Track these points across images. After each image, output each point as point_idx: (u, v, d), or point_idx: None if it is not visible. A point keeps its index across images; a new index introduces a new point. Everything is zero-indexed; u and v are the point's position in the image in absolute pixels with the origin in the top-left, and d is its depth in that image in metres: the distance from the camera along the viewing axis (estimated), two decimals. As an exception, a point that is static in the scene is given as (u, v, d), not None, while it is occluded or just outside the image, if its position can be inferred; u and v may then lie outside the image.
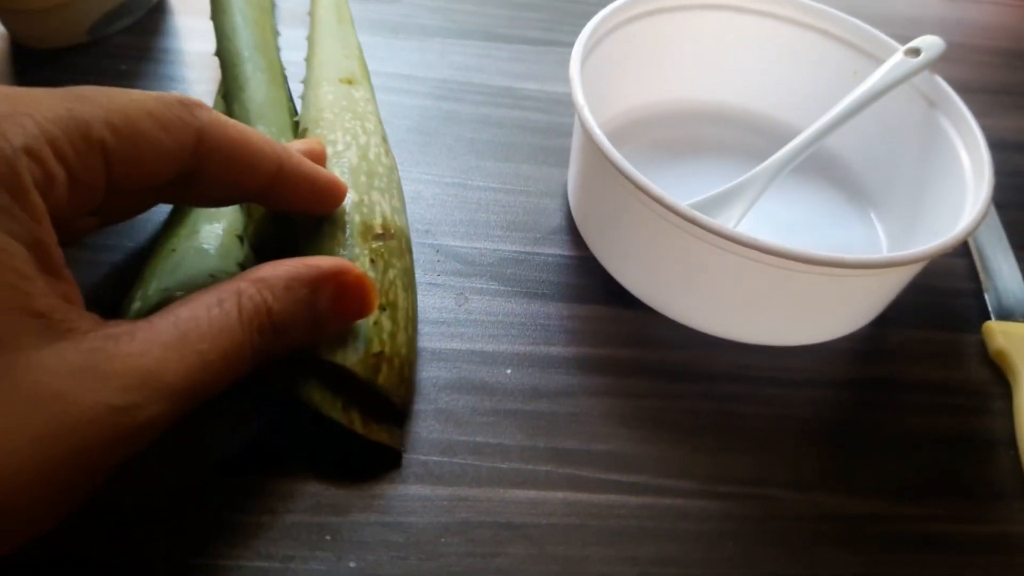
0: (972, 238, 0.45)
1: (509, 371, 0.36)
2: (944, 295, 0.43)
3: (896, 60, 0.41)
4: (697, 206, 0.38)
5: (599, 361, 0.36)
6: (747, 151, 0.46)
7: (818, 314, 0.37)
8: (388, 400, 0.32)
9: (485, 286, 0.39)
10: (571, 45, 0.39)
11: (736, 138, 0.47)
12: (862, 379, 0.38)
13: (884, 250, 0.42)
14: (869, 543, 0.32)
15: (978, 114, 0.39)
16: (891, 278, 0.36)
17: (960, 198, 0.37)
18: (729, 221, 0.38)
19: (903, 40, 0.42)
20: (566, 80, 0.38)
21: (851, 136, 0.43)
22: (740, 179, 0.39)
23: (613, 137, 0.44)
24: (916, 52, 0.41)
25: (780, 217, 0.43)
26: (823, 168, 0.46)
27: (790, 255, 0.32)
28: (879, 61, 0.43)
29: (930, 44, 0.41)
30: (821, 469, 0.34)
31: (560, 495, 0.32)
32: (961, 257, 0.44)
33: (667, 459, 0.34)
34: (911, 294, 0.41)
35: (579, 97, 0.37)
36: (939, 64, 0.41)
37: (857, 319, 0.38)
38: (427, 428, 0.33)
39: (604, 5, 0.42)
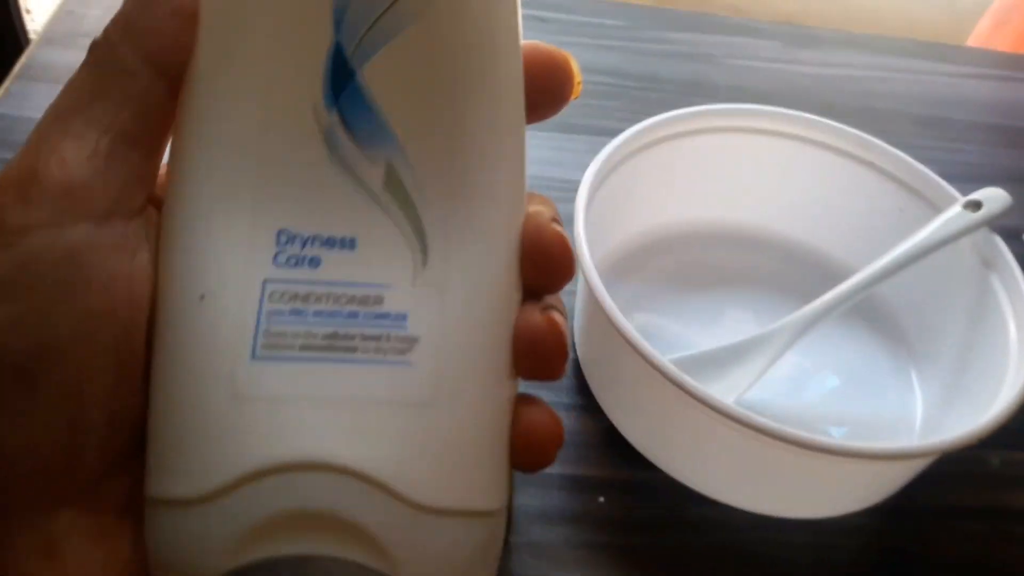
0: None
1: (602, 499, 0.35)
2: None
3: (953, 212, 0.38)
4: (714, 355, 0.37)
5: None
6: (779, 279, 0.44)
7: (829, 491, 0.35)
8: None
9: (572, 401, 0.38)
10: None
11: (766, 264, 0.45)
12: (961, 507, 0.37)
13: (919, 414, 0.39)
14: None
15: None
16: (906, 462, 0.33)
17: (1002, 374, 0.34)
18: (749, 375, 0.37)
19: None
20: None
21: (898, 281, 0.39)
22: (766, 329, 0.38)
23: (632, 260, 0.43)
24: (976, 206, 0.38)
25: (811, 361, 0.40)
26: (864, 310, 0.41)
27: (779, 435, 0.29)
28: (927, 200, 0.40)
29: (992, 198, 0.38)
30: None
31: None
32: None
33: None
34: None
35: (581, 233, 0.35)
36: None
37: (885, 490, 0.36)
38: (521, 564, 0.32)
39: (679, 92, 0.41)
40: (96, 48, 0.20)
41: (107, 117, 0.19)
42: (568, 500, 0.34)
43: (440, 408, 0.19)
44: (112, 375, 0.18)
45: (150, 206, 0.20)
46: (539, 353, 0.20)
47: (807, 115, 0.42)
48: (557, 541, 0.33)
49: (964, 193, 0.39)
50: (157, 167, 0.20)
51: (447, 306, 0.20)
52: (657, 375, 0.31)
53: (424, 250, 0.20)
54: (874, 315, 0.43)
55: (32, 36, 0.66)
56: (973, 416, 0.33)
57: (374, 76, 0.19)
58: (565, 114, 0.51)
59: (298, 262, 0.19)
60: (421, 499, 0.19)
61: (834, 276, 0.41)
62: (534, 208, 0.21)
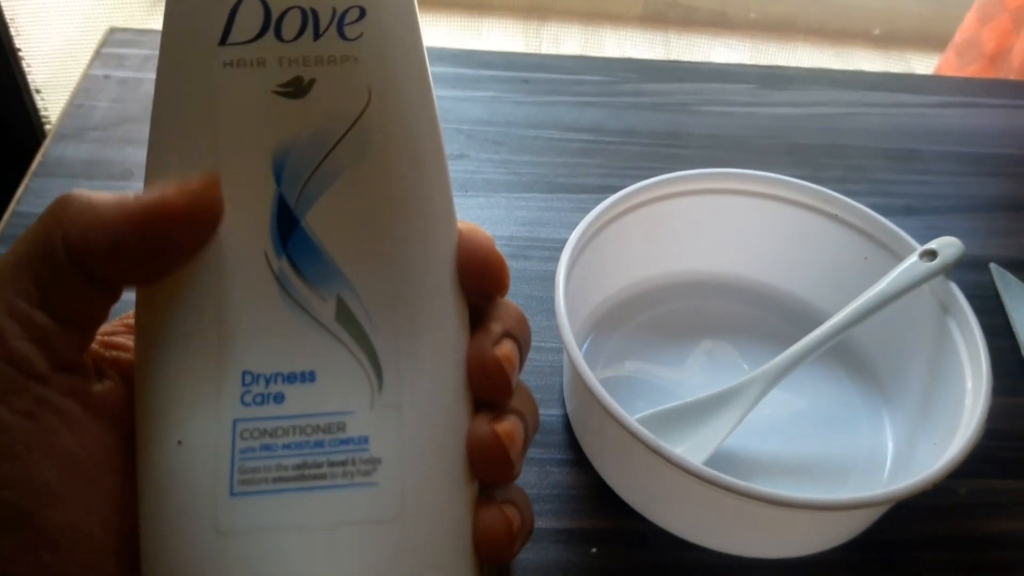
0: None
1: (595, 550, 0.37)
2: (1014, 439, 0.43)
3: (911, 262, 0.40)
4: (693, 406, 0.40)
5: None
6: (759, 323, 0.47)
7: (804, 534, 0.37)
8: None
9: (564, 456, 0.41)
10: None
11: (746, 310, 0.48)
12: (932, 538, 0.39)
13: (890, 449, 0.42)
14: None
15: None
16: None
17: (959, 414, 0.37)
18: (728, 423, 0.40)
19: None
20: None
21: (867, 324, 0.41)
22: (741, 379, 0.40)
23: (621, 311, 0.46)
24: (932, 255, 0.40)
25: (787, 402, 0.43)
26: (838, 350, 0.43)
27: (749, 493, 0.32)
28: (889, 249, 0.43)
29: (946, 246, 0.40)
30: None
31: None
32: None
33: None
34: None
35: (560, 303, 0.38)
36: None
37: (857, 528, 0.38)
38: (522, 617, 0.35)
39: (656, 144, 0.44)
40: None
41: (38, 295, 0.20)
42: (563, 552, 0.37)
43: (407, 521, 0.21)
44: (107, 504, 0.21)
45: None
46: (489, 463, 0.22)
47: (773, 175, 0.45)
48: (554, 593, 0.36)
49: (933, 225, 0.41)
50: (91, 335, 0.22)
51: (404, 425, 0.22)
52: (631, 437, 0.34)
53: (379, 374, 0.22)
54: (847, 355, 0.45)
55: (46, 127, 0.69)
56: (938, 452, 0.36)
57: (317, 221, 0.21)
58: (549, 174, 0.55)
59: (264, 400, 0.21)
60: None
61: (809, 319, 0.45)
62: (484, 329, 0.23)
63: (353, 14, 0.21)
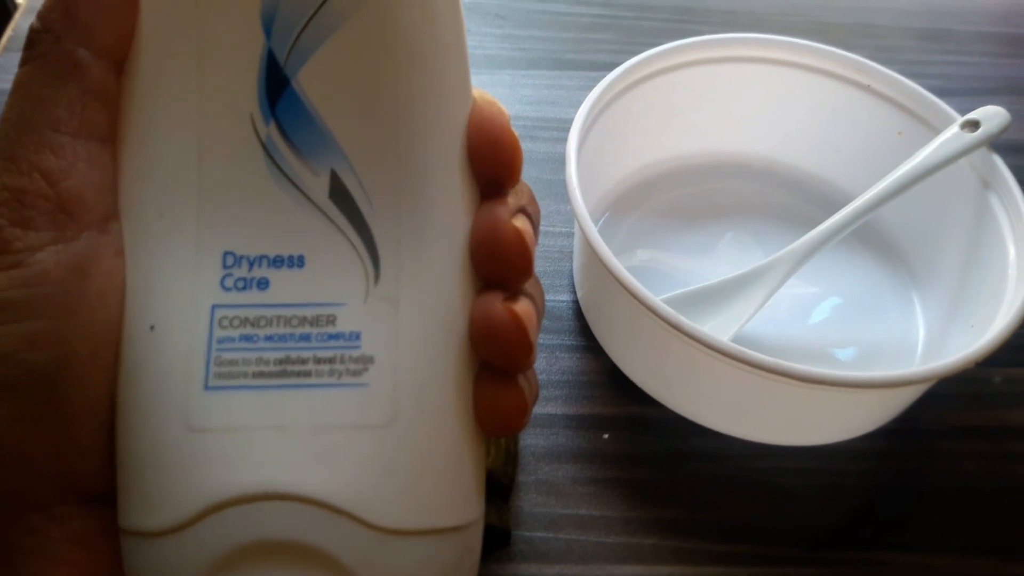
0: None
1: (607, 436, 0.35)
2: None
3: (951, 133, 0.37)
4: (713, 289, 0.38)
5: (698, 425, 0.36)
6: (779, 207, 0.44)
7: (830, 419, 0.35)
8: (495, 479, 0.32)
9: (575, 343, 0.38)
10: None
11: (766, 193, 0.45)
12: (964, 427, 0.37)
13: (920, 335, 0.39)
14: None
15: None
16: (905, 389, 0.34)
17: (1000, 293, 0.34)
18: (749, 306, 0.37)
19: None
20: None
21: (897, 203, 0.38)
22: (765, 261, 0.38)
23: (632, 195, 0.43)
24: (974, 125, 0.37)
25: (813, 287, 0.41)
26: (865, 233, 0.41)
27: (781, 371, 0.30)
28: (926, 122, 0.40)
29: (990, 116, 0.37)
30: (930, 528, 0.34)
31: (667, 570, 0.32)
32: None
33: (772, 526, 0.33)
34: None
35: (572, 176, 0.35)
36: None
37: (887, 414, 0.36)
38: (530, 502, 0.33)
39: (671, 19, 0.41)
40: (39, 41, 0.18)
41: (73, 119, 0.18)
42: (574, 438, 0.35)
43: (400, 428, 0.19)
44: None
45: None
46: (505, 346, 0.19)
47: (800, 41, 0.41)
48: (565, 478, 0.34)
49: (968, 108, 0.38)
50: None
51: (402, 321, 0.19)
52: (652, 315, 0.31)
53: (376, 263, 0.19)
54: (874, 238, 0.43)
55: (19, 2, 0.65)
56: (974, 336, 0.34)
57: (310, 81, 0.19)
58: (556, 50, 0.51)
59: (246, 285, 0.19)
60: (386, 523, 0.18)
61: (835, 202, 0.42)
62: (493, 204, 0.20)
63: None
